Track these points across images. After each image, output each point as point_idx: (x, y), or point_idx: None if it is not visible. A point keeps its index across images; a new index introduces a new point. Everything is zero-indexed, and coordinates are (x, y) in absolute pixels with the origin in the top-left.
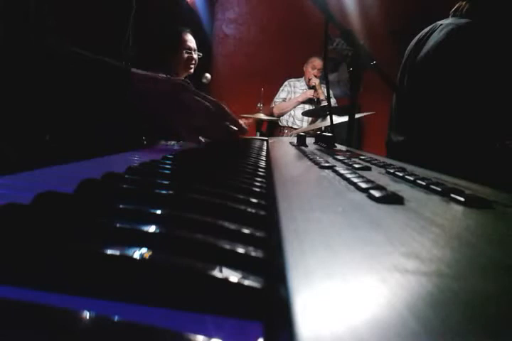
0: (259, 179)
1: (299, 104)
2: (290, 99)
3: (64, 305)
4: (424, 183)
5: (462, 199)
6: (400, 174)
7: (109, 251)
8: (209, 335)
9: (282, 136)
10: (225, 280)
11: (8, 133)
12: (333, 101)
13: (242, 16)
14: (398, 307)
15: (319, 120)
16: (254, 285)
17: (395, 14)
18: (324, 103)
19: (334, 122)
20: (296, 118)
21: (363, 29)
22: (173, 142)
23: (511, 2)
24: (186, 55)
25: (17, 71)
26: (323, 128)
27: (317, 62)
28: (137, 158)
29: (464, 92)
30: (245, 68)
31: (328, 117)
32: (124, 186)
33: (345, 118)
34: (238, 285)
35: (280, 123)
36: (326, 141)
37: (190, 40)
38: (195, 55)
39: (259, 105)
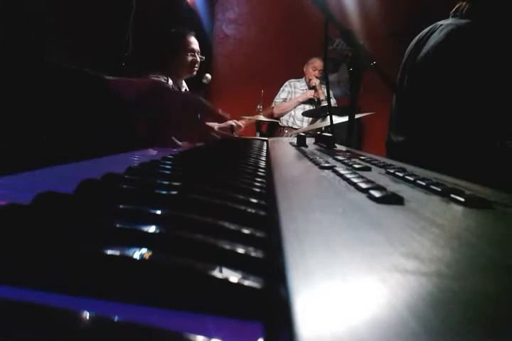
0: (259, 179)
1: (299, 104)
2: (290, 99)
3: (64, 305)
4: (424, 183)
5: (462, 199)
6: (400, 174)
7: (109, 252)
8: (209, 335)
9: (282, 136)
10: (225, 280)
11: (8, 133)
12: (333, 101)
13: (242, 16)
14: (398, 307)
15: (319, 120)
16: (254, 285)
17: (395, 14)
18: (324, 103)
19: (334, 122)
20: (297, 119)
21: (363, 29)
22: None
23: (510, 2)
24: (190, 58)
25: (15, 72)
26: (323, 129)
27: (318, 63)
28: (137, 158)
29: (463, 92)
30: (245, 68)
31: (328, 117)
32: (124, 186)
33: (345, 119)
34: (238, 285)
35: (280, 124)
36: (326, 142)
37: (194, 43)
38: (198, 58)
39: (258, 107)
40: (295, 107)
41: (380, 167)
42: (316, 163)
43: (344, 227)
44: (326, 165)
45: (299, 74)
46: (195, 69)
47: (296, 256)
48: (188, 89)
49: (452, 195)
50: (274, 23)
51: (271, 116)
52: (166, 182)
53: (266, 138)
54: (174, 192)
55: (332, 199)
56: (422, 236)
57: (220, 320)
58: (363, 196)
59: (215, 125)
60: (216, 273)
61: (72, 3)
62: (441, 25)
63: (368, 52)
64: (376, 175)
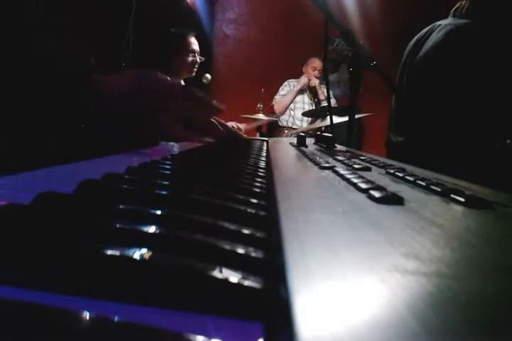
0: (259, 179)
1: (297, 94)
2: None
3: (64, 305)
4: (424, 184)
5: (462, 199)
6: (400, 174)
7: (109, 252)
8: (209, 335)
9: (282, 136)
10: (225, 280)
11: (8, 133)
12: (333, 101)
13: (242, 16)
14: (398, 307)
15: (319, 120)
16: (254, 285)
17: (395, 14)
18: (324, 103)
19: (334, 122)
20: (296, 119)
21: (362, 29)
22: (172, 143)
23: (510, 2)
24: (190, 59)
25: (15, 72)
26: (323, 129)
27: (317, 63)
28: (137, 158)
29: (463, 92)
30: (245, 68)
31: (328, 117)
32: (124, 186)
33: (345, 119)
34: (238, 285)
35: (280, 124)
36: (326, 142)
37: (194, 43)
38: (198, 59)
39: (258, 106)
40: (294, 98)
41: (380, 167)
42: (316, 163)
43: (344, 227)
44: (326, 165)
45: (299, 74)
46: (195, 69)
47: (296, 256)
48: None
49: (452, 195)
50: (274, 23)
51: (272, 113)
52: (166, 182)
53: (266, 138)
54: (174, 193)
55: (332, 200)
56: (422, 236)
57: (220, 320)
58: (363, 196)
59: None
60: (216, 273)
61: (72, 3)
62: (439, 25)
63: (367, 52)
64: (376, 175)
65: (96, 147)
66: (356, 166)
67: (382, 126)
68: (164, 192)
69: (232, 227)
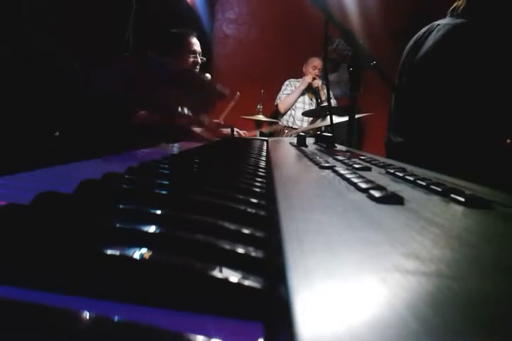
0: (259, 179)
1: (301, 93)
2: None
3: (64, 305)
4: (424, 183)
5: (462, 199)
6: (400, 174)
7: (109, 251)
8: (209, 335)
9: (282, 136)
10: (225, 280)
11: (8, 133)
12: (333, 101)
13: (242, 16)
14: (398, 307)
15: (319, 120)
16: (254, 285)
17: (395, 14)
18: (325, 103)
19: (334, 122)
20: (297, 119)
21: (362, 29)
22: (172, 143)
23: (507, 1)
24: (192, 59)
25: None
26: (323, 129)
27: (317, 62)
28: (137, 157)
29: (462, 92)
30: (245, 68)
31: (328, 117)
32: (124, 186)
33: (345, 119)
34: (238, 285)
35: (280, 123)
36: (326, 141)
37: (196, 44)
38: (199, 59)
39: (258, 107)
40: (298, 97)
41: (380, 167)
42: (316, 163)
43: (344, 227)
44: (326, 165)
45: (299, 74)
46: (196, 70)
47: (296, 256)
48: None
49: (452, 195)
50: (274, 23)
51: (273, 113)
52: (165, 182)
53: (266, 138)
54: (174, 192)
55: (332, 199)
56: (422, 236)
57: (220, 320)
58: (363, 196)
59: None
60: (216, 273)
61: (72, 2)
62: (438, 25)
63: (367, 52)
64: (376, 175)
65: (96, 147)
66: (356, 166)
67: (382, 126)
68: (164, 192)
69: (232, 227)
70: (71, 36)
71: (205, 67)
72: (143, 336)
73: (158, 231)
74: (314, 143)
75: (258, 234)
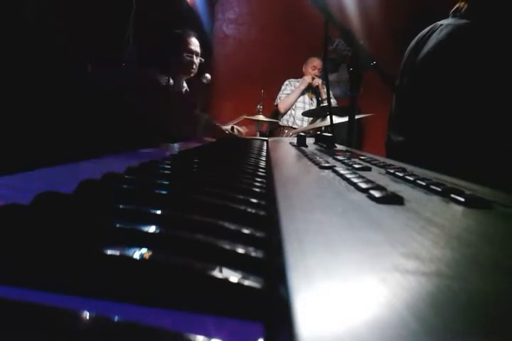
0: (259, 179)
1: (301, 93)
2: None
3: (64, 305)
4: (424, 183)
5: (462, 199)
6: (400, 174)
7: (109, 252)
8: (209, 335)
9: (282, 136)
10: (225, 280)
11: (8, 133)
12: (333, 101)
13: (242, 17)
14: (398, 307)
15: (319, 120)
16: (254, 285)
17: (395, 14)
18: (325, 103)
19: (334, 122)
20: (297, 119)
21: (362, 29)
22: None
23: (510, 2)
24: (191, 59)
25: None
26: (323, 129)
27: (317, 62)
28: (137, 158)
29: (464, 93)
30: (245, 68)
31: (328, 117)
32: (124, 186)
33: (345, 119)
34: (238, 285)
35: (281, 123)
36: (326, 141)
37: (193, 44)
38: (196, 60)
39: (258, 107)
40: (298, 97)
41: (380, 167)
42: (316, 163)
43: (344, 227)
44: (326, 165)
45: (299, 74)
46: (193, 71)
47: (296, 256)
48: (188, 90)
49: (452, 195)
50: (274, 23)
51: (274, 113)
52: (165, 182)
53: (266, 138)
54: (174, 192)
55: (332, 199)
56: (422, 236)
57: (220, 320)
58: (363, 196)
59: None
60: (216, 273)
61: (72, 2)
62: (441, 25)
63: (367, 52)
64: (376, 175)
65: (96, 147)
66: (356, 166)
67: (382, 126)
68: (164, 192)
69: (232, 227)
70: (71, 36)
71: (205, 67)
72: (143, 336)
73: (158, 231)
74: (314, 143)
75: (258, 234)
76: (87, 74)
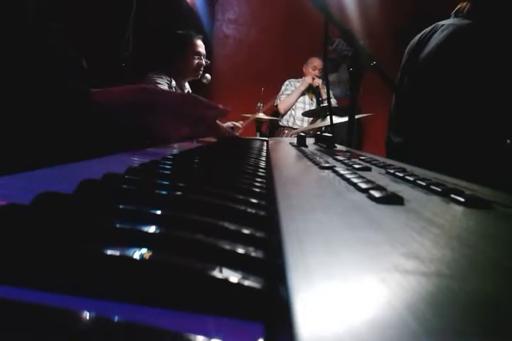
0: (259, 179)
1: (301, 93)
2: None
3: (64, 305)
4: (424, 184)
5: (462, 199)
6: (400, 174)
7: (109, 252)
8: (209, 335)
9: (282, 136)
10: (225, 280)
11: (8, 133)
12: (333, 101)
13: (242, 17)
14: (398, 307)
15: (319, 120)
16: (254, 285)
17: (395, 14)
18: (325, 103)
19: (334, 122)
20: (297, 119)
21: (362, 29)
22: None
23: (511, 3)
24: (197, 61)
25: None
26: (323, 129)
27: (317, 63)
28: (137, 158)
29: (464, 93)
30: (245, 69)
31: (328, 117)
32: (124, 186)
33: (345, 119)
34: (238, 285)
35: (280, 124)
36: (326, 142)
37: (201, 46)
38: (203, 61)
39: (258, 105)
40: (298, 98)
41: (380, 167)
42: (316, 163)
43: (344, 227)
44: (326, 165)
45: (299, 74)
46: (200, 72)
47: (296, 256)
48: (190, 90)
49: (452, 195)
50: (274, 23)
51: (274, 113)
52: (166, 183)
53: (266, 138)
54: (174, 193)
55: (332, 199)
56: (422, 236)
57: (220, 320)
58: (362, 196)
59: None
60: (216, 273)
61: (73, 3)
62: (442, 25)
63: (367, 52)
64: (376, 175)
65: (96, 147)
66: (356, 166)
67: (383, 126)
68: (164, 192)
69: (232, 227)
70: (71, 36)
71: (206, 67)
72: (143, 336)
73: (158, 231)
74: (314, 143)
75: (258, 234)
76: (86, 74)
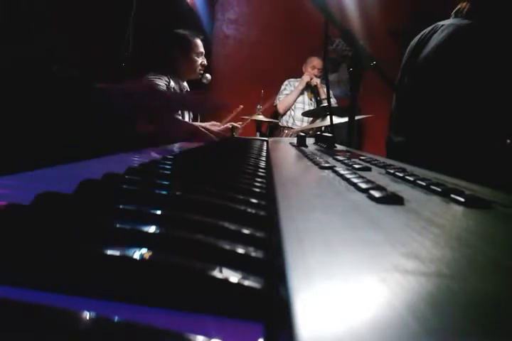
0: (259, 179)
1: (300, 93)
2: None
3: (64, 305)
4: (424, 184)
5: (462, 199)
6: (400, 174)
7: (109, 252)
8: (209, 335)
9: (282, 136)
10: (225, 280)
11: (8, 133)
12: (333, 101)
13: (242, 17)
14: (398, 307)
15: (319, 120)
16: (254, 285)
17: (395, 14)
18: (325, 103)
19: (334, 123)
20: (296, 119)
21: (362, 29)
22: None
23: (511, 3)
24: (197, 61)
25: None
26: (323, 129)
27: (316, 62)
28: (137, 158)
29: (465, 92)
30: (245, 69)
31: (328, 117)
32: (124, 186)
33: (345, 120)
34: (238, 285)
35: (280, 124)
36: (326, 142)
37: (201, 45)
38: (204, 61)
39: (258, 107)
40: (297, 97)
41: (380, 167)
42: (316, 163)
43: (344, 227)
44: (326, 165)
45: (299, 74)
46: (201, 72)
47: (296, 256)
48: (189, 90)
49: (452, 195)
50: (275, 23)
51: (274, 113)
52: (166, 183)
53: (266, 138)
54: (174, 193)
55: (332, 199)
56: (422, 236)
57: (220, 320)
58: (362, 196)
59: (216, 126)
60: (216, 273)
61: (73, 3)
62: (442, 25)
63: (368, 52)
64: (376, 175)
65: (96, 147)
66: (356, 166)
67: (383, 126)
68: (164, 192)
69: (232, 227)
70: (71, 36)
71: (205, 67)
72: (143, 336)
73: (158, 231)
74: (314, 143)
75: (258, 234)
76: (86, 74)
